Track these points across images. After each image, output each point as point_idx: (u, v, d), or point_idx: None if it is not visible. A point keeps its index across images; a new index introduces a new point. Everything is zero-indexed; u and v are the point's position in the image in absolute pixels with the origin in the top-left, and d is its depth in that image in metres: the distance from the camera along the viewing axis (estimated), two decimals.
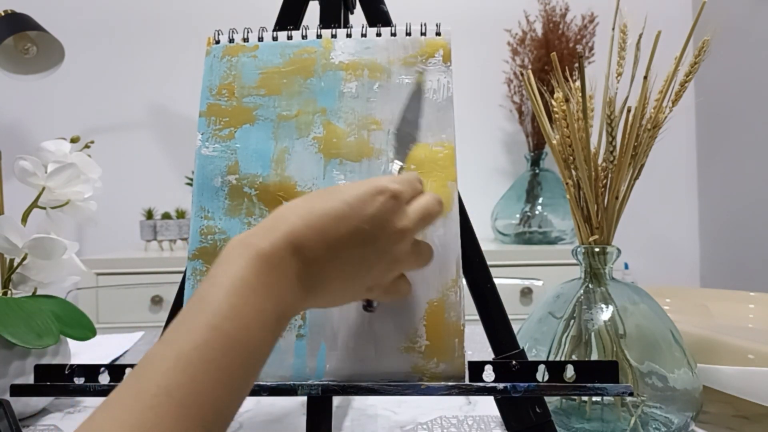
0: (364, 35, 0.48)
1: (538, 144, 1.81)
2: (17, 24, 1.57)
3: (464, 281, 0.43)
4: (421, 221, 0.38)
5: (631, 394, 0.39)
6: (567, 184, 0.54)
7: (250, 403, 0.64)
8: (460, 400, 0.63)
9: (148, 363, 0.28)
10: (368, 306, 0.41)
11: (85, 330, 0.63)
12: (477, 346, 0.75)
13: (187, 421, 0.26)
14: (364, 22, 0.50)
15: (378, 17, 0.51)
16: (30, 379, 0.44)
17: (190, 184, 1.69)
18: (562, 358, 0.52)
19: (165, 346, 0.28)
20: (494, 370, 0.41)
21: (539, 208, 1.76)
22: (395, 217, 0.36)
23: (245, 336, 0.30)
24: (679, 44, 0.51)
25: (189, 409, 0.26)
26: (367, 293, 0.39)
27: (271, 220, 0.35)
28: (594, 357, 0.51)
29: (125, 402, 0.26)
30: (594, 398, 0.53)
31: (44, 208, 0.64)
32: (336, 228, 0.34)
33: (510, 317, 0.46)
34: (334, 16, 0.51)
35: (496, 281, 0.47)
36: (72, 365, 0.42)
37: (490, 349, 0.46)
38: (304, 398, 0.57)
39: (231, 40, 0.49)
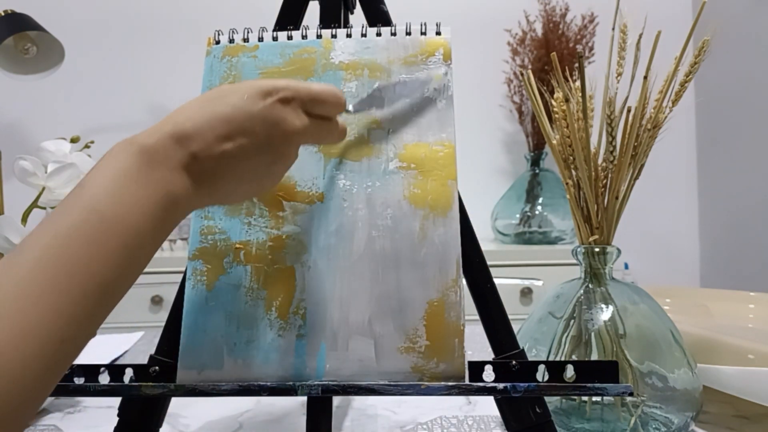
0: (364, 35, 0.48)
1: (538, 144, 1.81)
2: (17, 24, 1.57)
3: (464, 281, 0.43)
4: (315, 124, 0.39)
5: (631, 394, 0.39)
6: (567, 184, 0.54)
7: (250, 403, 0.64)
8: (460, 400, 0.63)
9: (27, 240, 0.29)
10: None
11: None
12: (477, 346, 0.75)
13: (62, 295, 0.28)
14: (364, 22, 0.50)
15: (378, 17, 0.51)
16: None
17: None
18: (562, 358, 0.52)
19: (44, 226, 0.30)
20: (494, 370, 0.41)
21: (539, 208, 1.76)
22: (287, 121, 0.36)
23: (124, 219, 0.31)
24: (679, 44, 0.51)
25: (63, 282, 0.28)
26: (269, 168, 0.39)
27: (160, 122, 0.35)
28: (594, 357, 0.51)
29: None
30: (594, 398, 0.53)
31: (44, 208, 0.64)
32: (224, 127, 0.35)
33: (510, 317, 0.46)
34: (334, 16, 0.51)
35: (496, 281, 0.46)
36: (72, 365, 0.42)
37: (490, 349, 0.46)
38: (304, 398, 0.57)
39: (231, 41, 0.49)
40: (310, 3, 0.52)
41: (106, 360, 0.81)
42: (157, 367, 0.43)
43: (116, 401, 0.46)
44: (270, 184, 0.40)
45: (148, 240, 0.32)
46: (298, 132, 0.37)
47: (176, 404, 0.53)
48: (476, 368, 0.41)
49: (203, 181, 0.35)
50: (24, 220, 0.62)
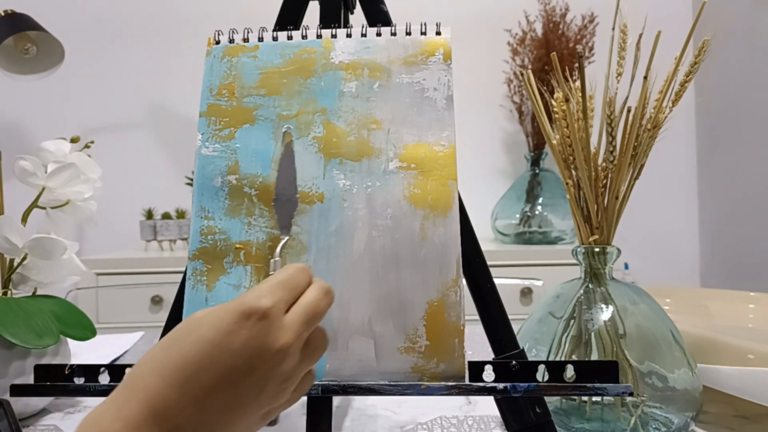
0: (364, 35, 0.48)
1: (538, 144, 1.81)
2: (17, 24, 1.57)
3: (464, 281, 0.43)
4: (306, 326, 0.32)
5: (631, 394, 0.39)
6: (567, 184, 0.54)
7: None
8: (460, 400, 0.63)
9: None
10: (270, 423, 0.37)
11: (85, 330, 0.63)
12: (477, 346, 0.75)
13: None
14: (364, 22, 0.50)
15: (378, 17, 0.51)
16: (30, 379, 0.44)
17: (190, 184, 1.69)
18: (562, 358, 0.52)
19: None
20: (494, 370, 0.41)
21: (539, 208, 1.76)
22: (270, 338, 0.30)
23: None
24: (679, 44, 0.51)
25: None
26: (263, 420, 0.34)
27: (124, 388, 0.29)
28: (594, 357, 0.51)
29: None
30: (594, 398, 0.53)
31: (44, 208, 0.64)
32: (202, 375, 0.29)
33: (510, 317, 0.46)
34: (334, 16, 0.51)
35: (496, 281, 0.47)
36: (72, 365, 0.42)
37: (490, 349, 0.46)
38: (304, 398, 0.57)
39: (231, 41, 0.49)
40: (310, 3, 0.52)
41: (106, 360, 0.81)
42: None
43: None
44: (270, 414, 0.34)
45: None
46: (284, 350, 0.31)
47: None
48: (476, 368, 0.41)
49: None
50: (24, 220, 0.62)
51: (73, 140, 0.66)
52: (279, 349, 0.31)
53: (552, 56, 0.54)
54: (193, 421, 0.29)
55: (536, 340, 0.55)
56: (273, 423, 0.36)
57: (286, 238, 0.42)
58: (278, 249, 0.41)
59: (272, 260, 0.40)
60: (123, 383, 0.29)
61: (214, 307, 0.31)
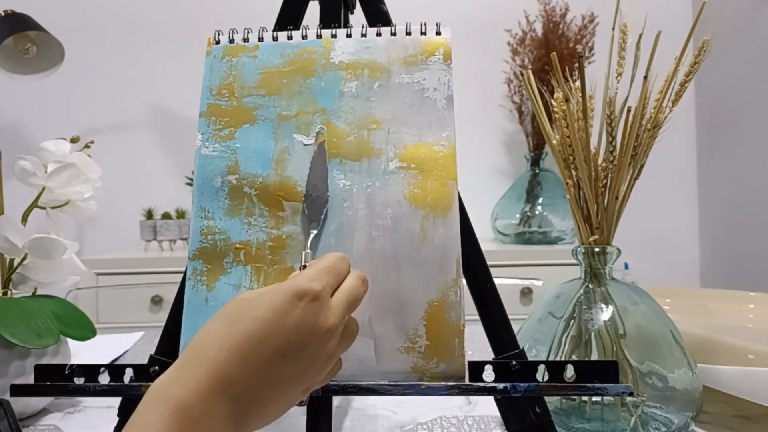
0: (364, 35, 0.48)
1: (538, 144, 1.81)
2: (17, 24, 1.57)
3: (464, 281, 0.43)
4: (348, 310, 0.36)
5: (631, 394, 0.39)
6: (567, 184, 0.54)
7: None
8: (460, 400, 0.63)
9: None
10: (301, 403, 0.38)
11: (85, 330, 0.63)
12: (477, 346, 0.75)
13: None
14: (364, 22, 0.50)
15: (378, 17, 0.51)
16: (30, 379, 0.44)
17: (190, 184, 1.69)
18: (562, 358, 0.52)
19: None
20: (494, 370, 0.41)
21: (539, 208, 1.76)
22: (320, 318, 0.33)
23: None
24: (679, 44, 0.51)
25: None
26: (303, 395, 0.36)
27: (188, 358, 0.32)
28: (594, 357, 0.51)
29: None
30: (594, 398, 0.53)
31: (44, 208, 0.64)
32: (261, 350, 0.32)
33: (510, 317, 0.46)
34: (334, 16, 0.51)
35: (496, 281, 0.46)
36: (72, 365, 0.42)
37: (490, 349, 0.46)
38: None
39: (231, 41, 0.49)
40: (310, 3, 0.52)
41: (106, 360, 0.81)
42: (157, 367, 0.43)
43: (116, 401, 0.46)
44: (308, 390, 0.36)
45: None
46: (332, 329, 0.34)
47: None
48: (476, 368, 0.41)
49: (245, 419, 0.32)
50: (24, 220, 0.62)
51: (73, 140, 0.66)
52: (328, 328, 0.34)
53: (552, 56, 0.54)
54: (252, 390, 0.32)
55: (536, 340, 0.55)
56: (302, 402, 0.39)
57: (315, 231, 0.43)
58: (308, 242, 0.42)
59: (303, 252, 0.41)
60: (187, 354, 0.32)
61: (265, 288, 0.34)
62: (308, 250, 0.42)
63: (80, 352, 0.82)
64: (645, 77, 0.51)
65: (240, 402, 0.31)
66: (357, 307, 0.37)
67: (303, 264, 0.40)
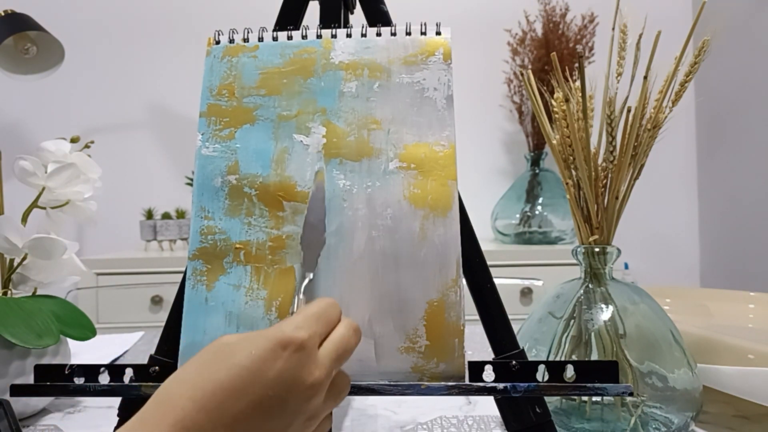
0: (364, 35, 0.48)
1: (538, 144, 1.81)
2: (17, 24, 1.57)
3: (464, 281, 0.43)
4: (337, 363, 0.32)
5: (631, 394, 0.39)
6: (567, 184, 0.54)
7: None
8: (460, 400, 0.63)
9: None
10: None
11: (85, 330, 0.63)
12: (477, 346, 0.75)
13: None
14: (364, 22, 0.50)
15: (378, 17, 0.51)
16: (30, 379, 0.44)
17: (190, 184, 1.69)
18: (562, 358, 0.52)
19: None
20: (494, 370, 0.41)
21: (539, 208, 1.76)
22: (305, 371, 0.30)
23: None
24: (679, 44, 0.51)
25: None
26: None
27: (155, 405, 0.29)
28: (594, 357, 0.51)
29: None
30: (594, 398, 0.53)
31: (44, 208, 0.64)
32: (235, 402, 0.28)
33: (510, 317, 0.46)
34: (334, 16, 0.51)
35: (496, 281, 0.46)
36: (72, 365, 0.42)
37: (490, 349, 0.46)
38: None
39: (231, 41, 0.49)
40: (310, 3, 0.53)
41: (106, 360, 0.81)
42: (157, 367, 0.43)
43: (116, 401, 0.46)
44: None
45: None
46: (317, 385, 0.31)
47: None
48: (476, 368, 0.41)
49: None
50: (24, 220, 0.62)
51: (73, 140, 0.66)
52: (312, 383, 0.30)
53: (552, 56, 0.54)
54: None
55: (536, 340, 0.55)
56: None
57: (311, 276, 0.42)
58: (302, 287, 0.41)
59: (296, 297, 0.39)
60: (153, 402, 0.29)
61: (248, 334, 0.31)
62: (302, 296, 0.40)
63: (80, 352, 0.82)
64: (645, 77, 0.51)
65: None
66: (347, 359, 0.34)
67: (293, 311, 0.37)
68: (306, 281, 0.41)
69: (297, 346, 0.30)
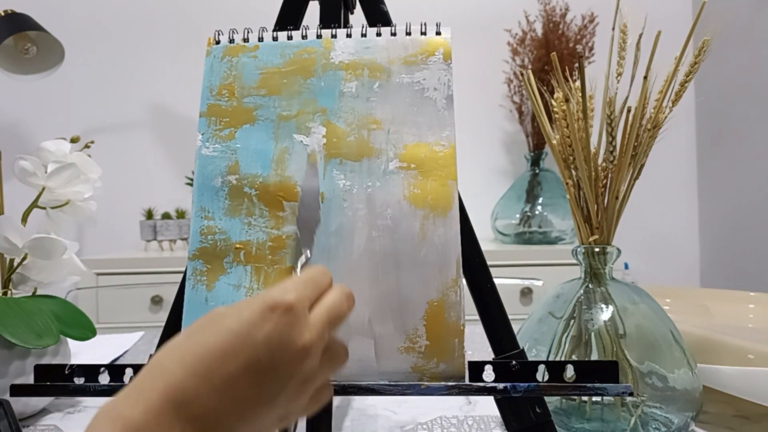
0: (364, 35, 0.48)
1: (538, 144, 1.81)
2: (17, 24, 1.57)
3: (464, 281, 0.43)
4: (329, 326, 0.32)
5: (631, 394, 0.39)
6: (567, 184, 0.54)
7: None
8: (460, 400, 0.63)
9: None
10: None
11: (85, 330, 0.63)
12: (477, 346, 0.75)
13: None
14: (364, 22, 0.50)
15: (378, 17, 0.51)
16: (30, 379, 0.44)
17: (190, 184, 1.69)
18: (562, 358, 0.52)
19: None
20: (494, 370, 0.41)
21: (539, 208, 1.76)
22: (294, 333, 0.30)
23: None
24: (679, 44, 0.51)
25: None
26: (281, 423, 0.33)
27: (145, 374, 0.29)
28: (594, 357, 0.51)
29: None
30: (594, 398, 0.53)
31: (44, 208, 0.64)
32: (224, 366, 0.28)
33: (510, 317, 0.46)
34: (334, 16, 0.51)
35: (496, 281, 0.47)
36: (72, 365, 0.42)
37: (490, 349, 0.46)
38: None
39: (231, 41, 0.49)
40: (310, 3, 0.53)
41: (106, 360, 0.81)
42: None
43: None
44: (287, 419, 0.33)
45: None
46: (308, 347, 0.30)
47: None
48: (476, 368, 0.41)
49: None
50: (24, 220, 0.62)
51: (73, 140, 0.66)
52: (302, 345, 0.30)
53: (552, 56, 0.54)
54: (212, 411, 0.29)
55: (536, 340, 0.55)
56: None
57: (308, 252, 0.42)
58: (299, 265, 0.41)
59: (293, 274, 0.40)
60: (144, 370, 0.29)
61: (237, 302, 0.31)
62: (299, 274, 0.40)
63: (80, 352, 0.82)
64: (645, 77, 0.51)
65: (199, 424, 0.28)
66: (340, 323, 0.33)
67: None
68: (303, 259, 0.42)
69: (285, 308, 0.30)
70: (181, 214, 1.76)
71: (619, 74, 0.53)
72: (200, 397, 0.28)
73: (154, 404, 0.27)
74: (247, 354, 0.29)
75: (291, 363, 0.30)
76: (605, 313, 0.53)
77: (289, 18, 0.51)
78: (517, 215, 1.76)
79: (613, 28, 0.55)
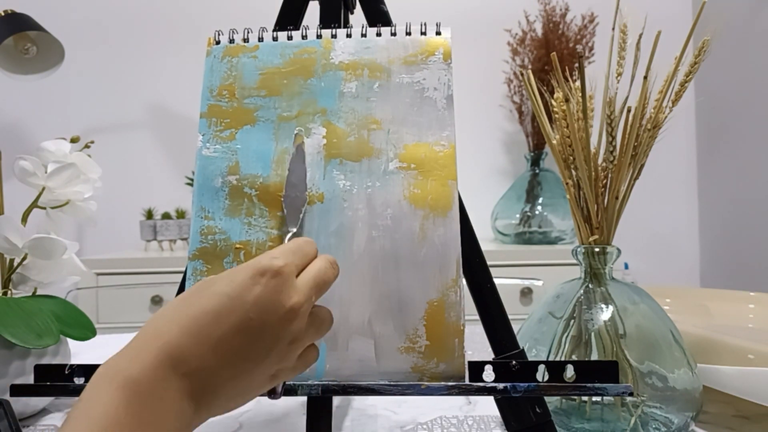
0: (364, 35, 0.48)
1: (538, 144, 1.81)
2: (17, 24, 1.57)
3: (464, 281, 0.43)
4: (315, 291, 0.34)
5: (631, 394, 0.39)
6: (567, 184, 0.54)
7: (250, 403, 0.64)
8: (460, 400, 0.63)
9: None
10: (272, 393, 0.37)
11: (85, 330, 0.63)
12: (477, 346, 0.75)
13: None
14: (364, 22, 0.50)
15: (378, 17, 0.51)
16: (30, 379, 0.44)
17: (190, 184, 1.69)
18: (562, 358, 0.52)
19: None
20: (494, 370, 0.41)
21: (539, 208, 1.76)
22: (282, 296, 0.32)
23: None
24: (679, 44, 0.51)
25: None
26: (271, 382, 0.35)
27: (142, 334, 0.31)
28: (594, 357, 0.51)
29: None
30: (594, 398, 0.53)
31: (44, 208, 0.64)
32: (217, 326, 0.30)
33: (510, 317, 0.46)
34: (334, 16, 0.51)
35: (496, 281, 0.47)
36: (72, 365, 0.42)
37: (490, 349, 0.46)
38: (304, 398, 0.57)
39: (231, 41, 0.49)
40: (310, 3, 0.53)
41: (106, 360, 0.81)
42: None
43: None
44: (277, 378, 0.35)
45: None
46: (295, 309, 0.33)
47: None
48: (476, 368, 0.41)
49: (203, 398, 0.31)
50: (24, 220, 0.62)
51: (73, 140, 0.66)
52: (290, 307, 0.32)
53: (552, 56, 0.54)
54: (208, 368, 0.30)
55: (536, 340, 0.55)
56: (274, 393, 0.38)
57: (294, 230, 0.43)
58: (286, 240, 0.42)
59: (288, 233, 0.42)
60: (141, 332, 0.31)
61: (229, 269, 0.33)
62: (293, 230, 0.42)
63: (80, 352, 0.82)
64: (645, 77, 0.51)
65: (195, 380, 0.30)
66: (326, 289, 0.36)
67: None
68: (290, 235, 0.42)
69: (273, 272, 0.32)
70: (181, 214, 1.76)
71: (619, 74, 0.53)
72: (195, 354, 0.30)
73: (152, 361, 0.29)
74: (238, 315, 0.31)
75: (279, 324, 0.32)
76: (605, 313, 0.53)
77: (289, 18, 0.51)
78: (517, 215, 1.76)
79: (613, 28, 0.55)
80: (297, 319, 0.33)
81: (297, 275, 0.34)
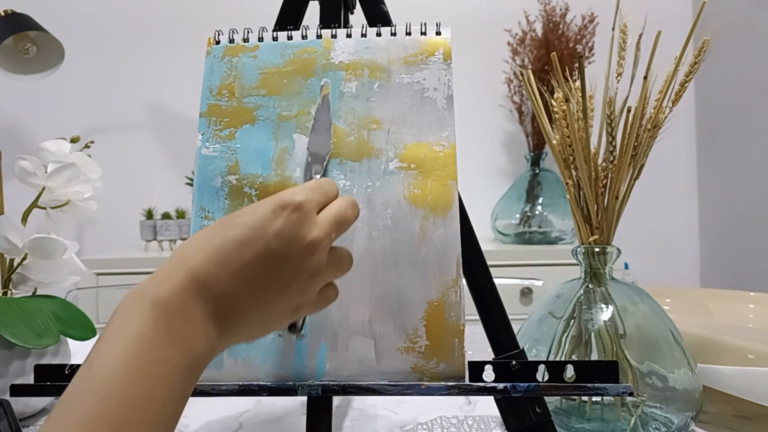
0: (364, 35, 0.48)
1: (538, 144, 1.81)
2: (17, 24, 1.57)
3: (464, 281, 0.43)
4: (335, 227, 0.36)
5: (631, 394, 0.39)
6: (567, 184, 0.54)
7: (251, 403, 0.64)
8: (460, 400, 0.63)
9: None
10: (292, 327, 0.38)
11: (85, 330, 0.63)
12: (477, 346, 0.75)
13: None
14: (364, 22, 0.50)
15: (378, 17, 0.51)
16: (30, 379, 0.44)
17: (190, 184, 1.69)
18: (562, 358, 0.52)
19: (55, 421, 0.26)
20: (494, 370, 0.41)
21: (539, 208, 1.76)
22: (303, 229, 0.33)
23: (146, 396, 0.27)
24: (679, 44, 0.51)
25: None
26: (293, 314, 0.36)
27: (170, 261, 0.32)
28: (594, 357, 0.51)
29: None
30: (594, 398, 0.53)
31: (44, 208, 0.64)
32: (240, 255, 0.32)
33: (510, 317, 0.46)
34: (334, 16, 0.51)
35: (496, 281, 0.47)
36: (72, 365, 0.42)
37: (490, 349, 0.46)
38: (304, 398, 0.57)
39: (231, 41, 0.49)
40: (310, 3, 0.53)
41: None
42: None
43: None
44: (298, 311, 0.36)
45: (172, 409, 0.29)
46: (315, 242, 0.34)
47: None
48: (476, 368, 0.41)
49: (227, 323, 0.32)
50: (24, 220, 0.62)
51: (73, 140, 0.66)
52: (310, 241, 0.34)
53: (552, 56, 0.54)
54: (231, 293, 0.32)
55: (536, 340, 0.55)
56: (294, 328, 0.39)
57: (318, 175, 0.43)
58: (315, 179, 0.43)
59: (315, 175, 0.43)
60: (169, 259, 0.32)
61: (253, 203, 0.35)
62: (320, 173, 0.43)
63: (80, 352, 0.82)
64: (645, 77, 0.51)
65: (219, 304, 0.32)
66: (347, 228, 0.37)
67: None
68: (315, 178, 0.43)
69: (295, 206, 0.33)
70: (181, 214, 1.76)
71: (619, 74, 0.53)
72: (219, 280, 0.32)
73: (179, 284, 0.31)
74: (260, 245, 0.32)
75: (300, 256, 0.33)
76: (605, 313, 0.53)
77: (289, 18, 0.51)
78: (517, 215, 1.76)
79: (613, 28, 0.55)
80: (317, 253, 0.34)
81: (318, 212, 0.35)
